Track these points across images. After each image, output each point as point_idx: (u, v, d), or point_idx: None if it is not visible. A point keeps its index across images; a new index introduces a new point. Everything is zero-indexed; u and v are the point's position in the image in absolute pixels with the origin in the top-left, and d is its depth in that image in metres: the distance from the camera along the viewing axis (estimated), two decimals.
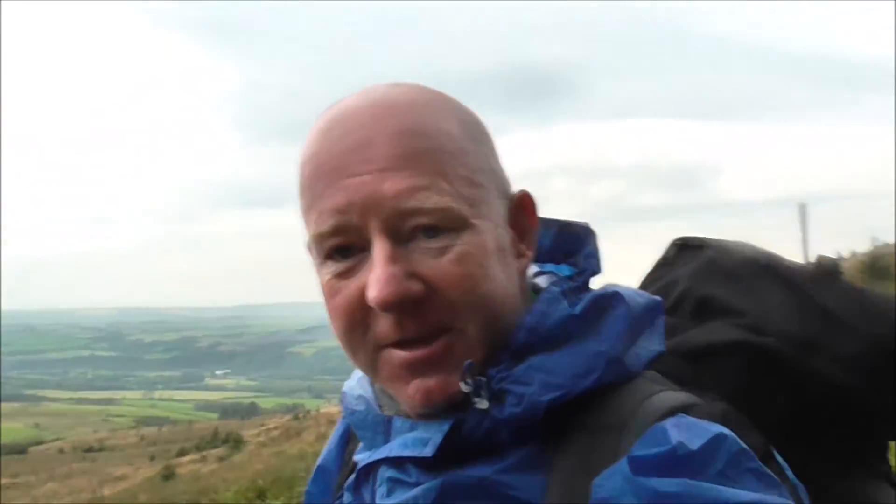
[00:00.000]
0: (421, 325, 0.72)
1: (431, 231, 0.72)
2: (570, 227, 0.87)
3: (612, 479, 0.65)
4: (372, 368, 0.76)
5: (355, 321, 0.74)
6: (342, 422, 0.94)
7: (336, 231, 0.73)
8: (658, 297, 0.84)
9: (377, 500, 0.80)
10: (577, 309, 0.76)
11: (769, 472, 0.67)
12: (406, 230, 0.72)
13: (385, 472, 0.80)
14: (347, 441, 0.95)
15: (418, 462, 0.76)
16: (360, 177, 0.71)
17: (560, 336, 0.75)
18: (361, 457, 0.84)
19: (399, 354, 0.73)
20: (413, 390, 0.74)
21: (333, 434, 0.97)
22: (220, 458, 32.77)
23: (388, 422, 0.81)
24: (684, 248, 1.00)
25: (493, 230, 0.75)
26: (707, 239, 0.99)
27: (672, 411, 0.71)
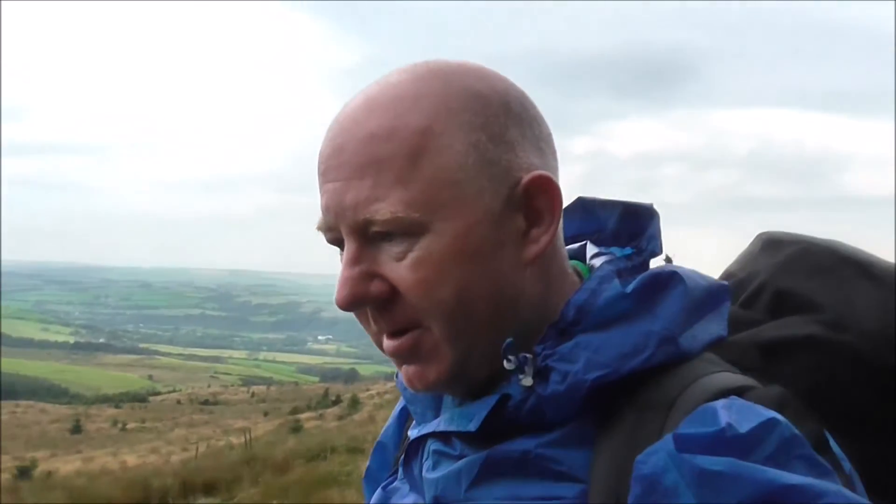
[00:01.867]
0: (390, 322, 0.75)
1: (389, 237, 0.74)
2: (633, 209, 0.86)
3: (656, 455, 0.64)
4: (381, 349, 0.80)
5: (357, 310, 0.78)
6: (402, 399, 0.96)
7: (326, 228, 0.77)
8: (724, 282, 0.83)
9: (424, 473, 0.82)
10: (629, 287, 0.75)
11: (822, 460, 0.65)
12: (371, 234, 0.74)
13: (431, 446, 0.82)
14: (406, 418, 0.96)
15: (463, 436, 0.78)
16: (334, 183, 0.74)
17: (611, 315, 0.75)
18: (413, 432, 0.85)
19: (385, 343, 0.77)
20: (403, 374, 0.78)
21: (394, 411, 0.99)
22: (339, 417, 34.19)
23: (439, 398, 0.84)
24: (769, 243, 0.96)
25: (467, 228, 0.73)
26: (795, 234, 0.95)
27: (724, 393, 0.70)
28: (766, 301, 0.90)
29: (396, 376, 0.87)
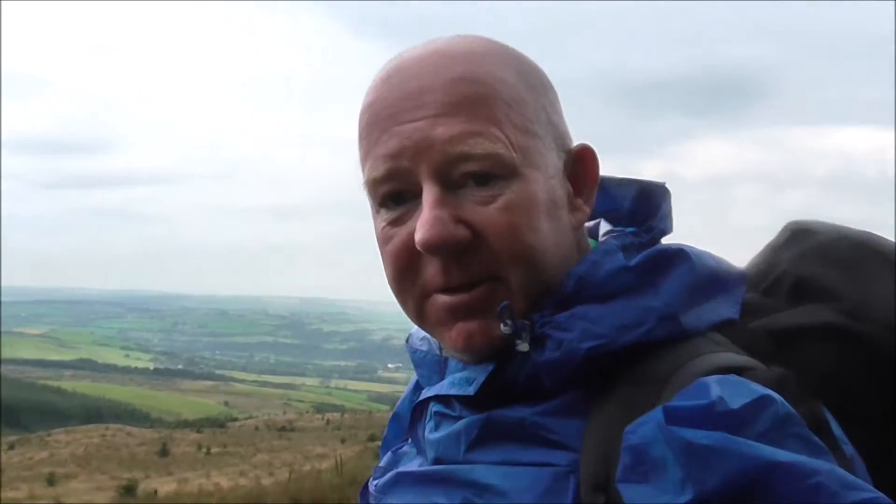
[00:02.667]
0: (465, 271, 0.73)
1: (481, 178, 0.72)
2: (648, 188, 0.87)
3: (645, 426, 0.64)
4: (419, 315, 0.78)
5: (405, 267, 0.76)
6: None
7: (389, 176, 0.74)
8: (740, 268, 0.83)
9: (426, 435, 0.83)
10: (633, 262, 0.75)
11: (817, 440, 0.64)
12: (456, 176, 0.72)
13: (433, 408, 0.83)
14: (421, 389, 0.98)
15: (462, 399, 0.79)
16: (414, 123, 0.72)
17: (611, 288, 0.75)
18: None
19: (443, 299, 0.75)
20: (455, 334, 0.75)
21: (409, 383, 1.00)
22: None
23: (445, 362, 0.85)
24: (797, 232, 0.94)
25: (544, 181, 0.75)
26: (823, 223, 0.94)
27: (721, 370, 0.69)
28: (787, 288, 0.89)
29: (407, 340, 0.89)
